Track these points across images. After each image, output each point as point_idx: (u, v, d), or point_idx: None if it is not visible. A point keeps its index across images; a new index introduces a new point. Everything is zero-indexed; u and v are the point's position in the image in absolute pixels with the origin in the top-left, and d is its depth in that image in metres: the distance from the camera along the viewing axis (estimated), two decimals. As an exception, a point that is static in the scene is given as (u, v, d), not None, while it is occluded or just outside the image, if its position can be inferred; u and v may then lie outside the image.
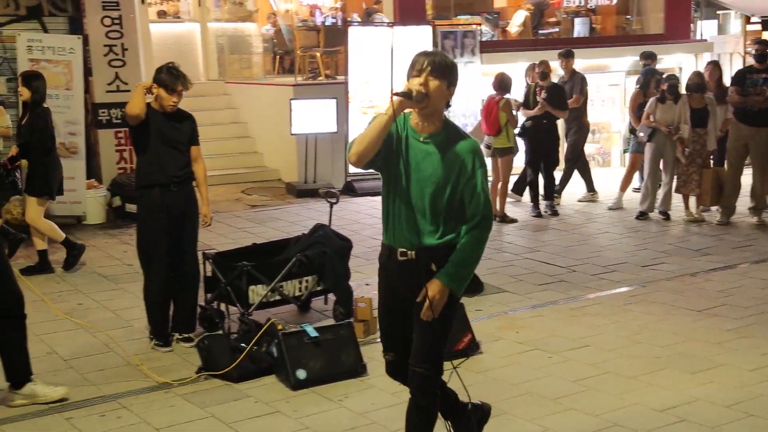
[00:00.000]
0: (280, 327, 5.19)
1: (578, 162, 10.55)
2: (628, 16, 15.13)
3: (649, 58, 11.01)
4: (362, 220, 9.56)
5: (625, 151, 12.14)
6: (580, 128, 10.47)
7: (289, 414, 4.56)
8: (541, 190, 9.75)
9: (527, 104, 9.74)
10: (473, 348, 5.39)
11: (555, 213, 9.68)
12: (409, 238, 3.46)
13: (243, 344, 5.15)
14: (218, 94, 13.44)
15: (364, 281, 6.92)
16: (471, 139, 3.49)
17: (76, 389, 4.83)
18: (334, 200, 6.75)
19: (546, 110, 9.55)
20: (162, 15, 15.05)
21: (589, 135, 11.00)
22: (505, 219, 9.33)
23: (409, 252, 3.47)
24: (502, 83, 9.39)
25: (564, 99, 9.81)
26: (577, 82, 10.36)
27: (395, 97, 3.29)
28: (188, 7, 15.15)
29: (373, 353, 5.36)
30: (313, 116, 10.80)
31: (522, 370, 5.17)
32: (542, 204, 9.71)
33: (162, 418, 4.52)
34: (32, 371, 4.70)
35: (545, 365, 5.24)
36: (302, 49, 13.26)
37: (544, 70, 9.78)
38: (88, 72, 9.64)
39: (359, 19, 14.35)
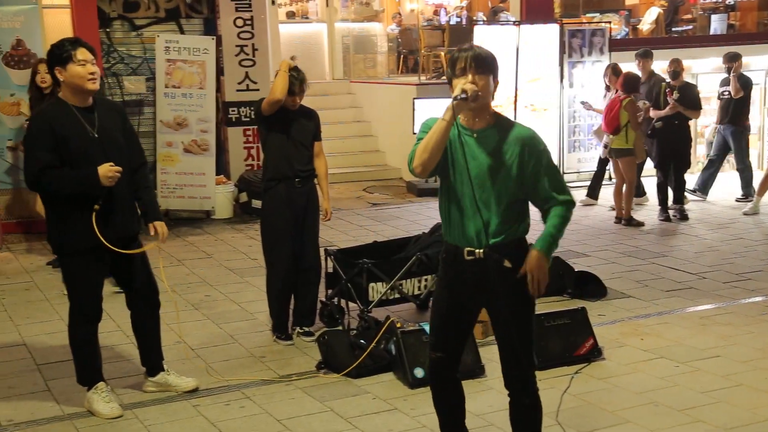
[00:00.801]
0: (398, 325, 5.21)
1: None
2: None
3: None
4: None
5: None
6: None
7: (406, 412, 4.58)
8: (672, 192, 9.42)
9: (657, 105, 9.42)
10: (595, 354, 5.26)
11: (685, 217, 9.33)
12: (475, 237, 3.37)
13: (362, 341, 5.20)
14: (342, 93, 13.65)
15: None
16: (524, 126, 3.42)
17: (202, 378, 5.00)
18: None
19: (677, 110, 9.21)
20: (290, 15, 15.41)
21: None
22: (631, 222, 9.06)
23: (477, 251, 3.39)
24: (628, 83, 9.11)
25: (697, 99, 9.44)
26: (656, 84, 9.73)
27: (453, 101, 3.24)
28: (316, 8, 15.45)
29: (492, 354, 5.30)
30: (436, 115, 10.77)
31: (646, 378, 5.00)
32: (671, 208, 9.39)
33: (283, 410, 4.62)
34: (164, 358, 4.90)
35: (671, 375, 5.05)
36: (426, 49, 13.29)
37: (676, 69, 9.44)
38: (220, 71, 9.98)
39: (485, 18, 14.26)
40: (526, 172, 3.34)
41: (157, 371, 4.85)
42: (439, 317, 3.59)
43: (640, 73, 9.86)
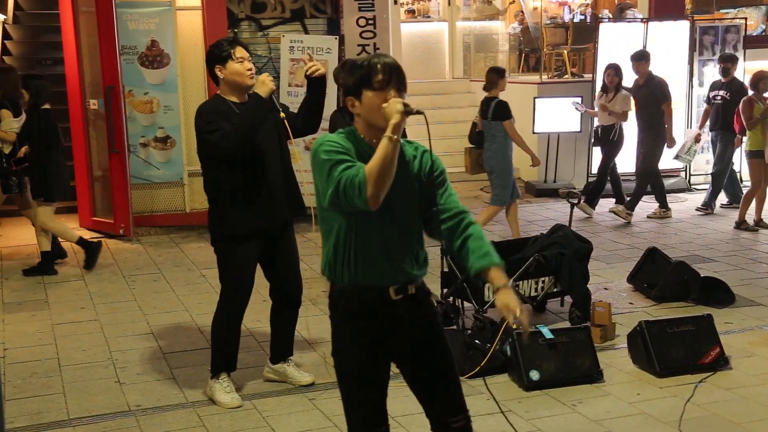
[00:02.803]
0: (514, 326, 5.15)
1: (652, 177, 9.39)
2: None
3: None
4: (603, 221, 9.27)
5: None
6: (655, 139, 9.30)
7: (521, 414, 4.52)
8: None
9: None
10: (721, 363, 5.05)
11: None
12: (405, 269, 2.96)
13: (477, 341, 5.17)
14: (462, 91, 13.60)
15: (603, 285, 6.71)
16: (411, 141, 3.11)
17: (318, 371, 5.09)
18: (575, 201, 6.62)
19: None
20: (411, 14, 15.48)
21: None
22: (760, 224, 8.67)
23: (409, 286, 2.99)
24: (759, 81, 8.71)
25: None
26: (656, 87, 9.24)
27: (403, 115, 2.82)
28: (438, 7, 15.46)
29: (611, 359, 5.19)
30: (557, 115, 10.63)
31: (776, 391, 4.77)
32: None
33: (396, 407, 4.61)
34: (292, 353, 5.02)
35: (804, 388, 4.80)
36: (549, 47, 13.08)
37: None
38: (341, 71, 10.11)
39: (610, 15, 13.92)
40: (425, 184, 3.03)
41: (279, 360, 4.97)
42: (361, 388, 3.10)
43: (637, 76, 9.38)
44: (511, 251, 6.23)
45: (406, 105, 2.84)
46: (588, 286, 5.99)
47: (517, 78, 13.39)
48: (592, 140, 10.13)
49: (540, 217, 9.50)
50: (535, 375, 4.84)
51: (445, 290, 5.93)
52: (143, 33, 9.00)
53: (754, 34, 13.25)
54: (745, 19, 11.83)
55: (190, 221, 9.18)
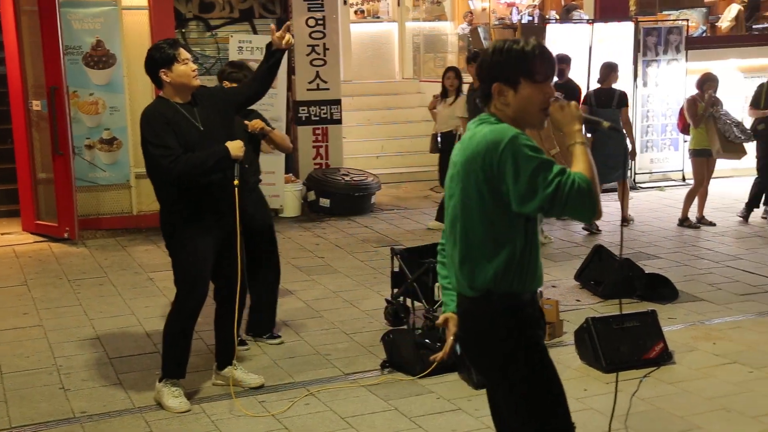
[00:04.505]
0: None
1: None
2: None
3: None
4: (551, 220, 9.38)
5: None
6: None
7: (470, 412, 4.55)
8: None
9: (757, 104, 9.17)
10: (665, 357, 5.15)
11: None
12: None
13: (427, 340, 5.19)
14: (412, 92, 13.64)
15: (551, 283, 6.78)
16: None
17: (268, 374, 5.06)
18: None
19: None
20: (361, 14, 15.49)
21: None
22: (702, 221, 8.86)
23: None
24: (704, 83, 8.90)
25: None
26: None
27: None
28: (387, 7, 15.50)
29: (558, 356, 5.24)
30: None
31: (718, 383, 4.87)
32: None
33: (347, 408, 4.65)
34: (235, 356, 4.98)
35: (745, 380, 4.90)
36: (497, 48, 13.19)
37: None
38: (291, 71, 10.09)
39: (557, 17, 14.09)
40: None
41: (226, 365, 4.93)
42: (558, 384, 2.81)
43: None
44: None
45: (585, 116, 2.72)
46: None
47: (466, 78, 13.48)
48: (433, 147, 9.60)
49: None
50: (484, 373, 4.87)
51: (395, 290, 5.94)
52: (88, 33, 8.86)
53: (695, 35, 13.52)
54: (687, 20, 12.07)
55: (137, 224, 9.06)
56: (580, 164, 2.62)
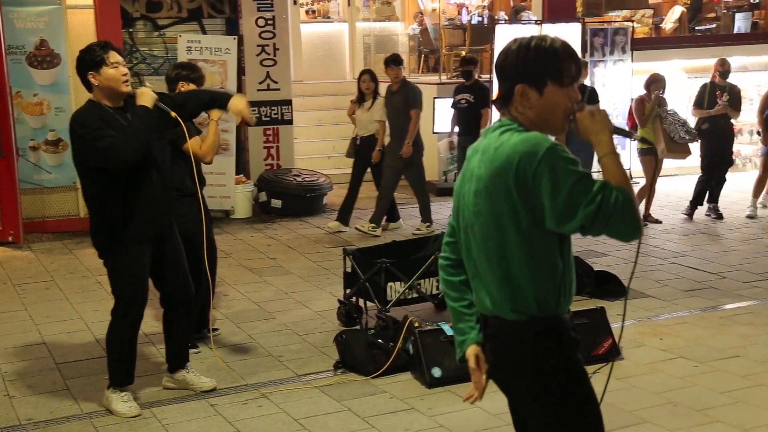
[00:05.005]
0: (416, 325, 5.20)
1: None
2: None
3: None
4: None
5: None
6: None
7: (423, 411, 4.57)
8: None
9: (700, 104, 9.37)
10: (613, 353, 5.22)
11: (720, 216, 9.27)
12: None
13: (380, 340, 5.20)
14: (364, 92, 13.63)
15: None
16: None
17: (220, 377, 5.02)
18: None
19: (725, 111, 9.22)
20: (311, 14, 15.45)
21: (742, 137, 10.37)
22: (648, 219, 9.02)
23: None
24: (651, 84, 9.08)
25: (740, 99, 9.41)
26: (410, 93, 8.73)
27: None
28: (337, 8, 15.48)
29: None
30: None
31: (665, 378, 4.96)
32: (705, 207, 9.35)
33: (300, 409, 4.63)
34: (188, 359, 4.93)
35: (690, 375, 5.01)
36: (448, 48, 13.26)
37: (727, 70, 9.39)
38: (241, 71, 10.02)
39: (506, 18, 14.22)
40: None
41: (178, 369, 4.88)
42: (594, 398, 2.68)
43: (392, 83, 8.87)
44: (412, 250, 6.29)
45: (616, 126, 2.49)
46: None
47: (417, 79, 13.52)
48: (350, 152, 9.23)
49: (441, 215, 9.60)
50: (437, 372, 4.90)
51: (347, 291, 5.94)
52: (31, 32, 8.69)
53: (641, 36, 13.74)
54: (633, 21, 12.27)
55: (84, 226, 8.84)
56: (616, 177, 2.38)
